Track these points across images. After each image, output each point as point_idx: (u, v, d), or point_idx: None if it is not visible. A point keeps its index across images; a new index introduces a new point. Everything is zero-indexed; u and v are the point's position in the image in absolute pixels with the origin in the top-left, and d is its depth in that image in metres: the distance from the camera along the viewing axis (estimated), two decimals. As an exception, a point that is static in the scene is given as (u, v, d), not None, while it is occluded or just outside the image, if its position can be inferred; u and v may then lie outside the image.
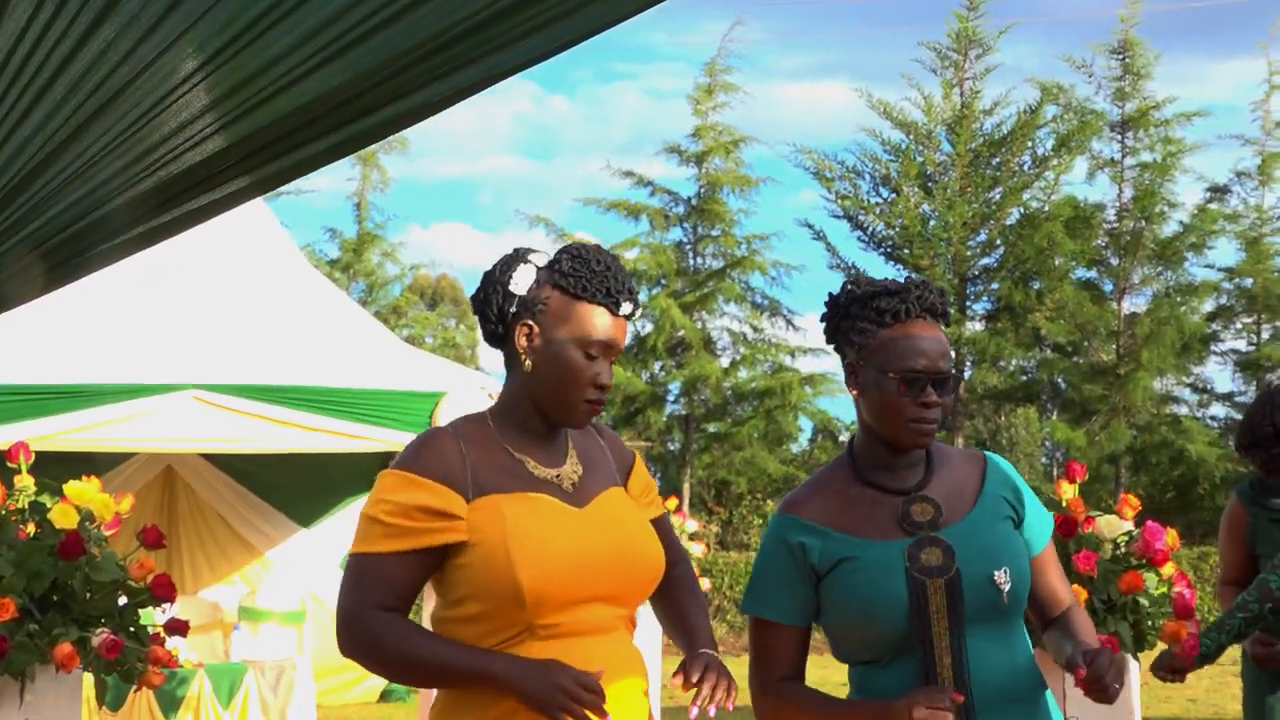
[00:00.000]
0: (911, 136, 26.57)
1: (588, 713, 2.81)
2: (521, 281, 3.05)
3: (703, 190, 27.44)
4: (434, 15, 1.30)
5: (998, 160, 26.40)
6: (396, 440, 10.53)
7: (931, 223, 26.20)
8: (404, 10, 1.30)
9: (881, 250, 26.88)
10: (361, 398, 10.28)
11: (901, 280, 3.26)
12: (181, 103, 1.32)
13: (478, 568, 2.94)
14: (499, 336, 3.11)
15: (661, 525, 3.31)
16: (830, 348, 3.38)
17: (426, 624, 3.15)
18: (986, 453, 3.42)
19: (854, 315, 3.24)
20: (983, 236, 26.60)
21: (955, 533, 3.19)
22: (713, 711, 2.94)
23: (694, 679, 2.98)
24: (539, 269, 3.07)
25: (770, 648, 3.32)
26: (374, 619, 2.93)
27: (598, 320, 3.04)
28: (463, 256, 68.32)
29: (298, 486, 12.95)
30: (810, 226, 27.32)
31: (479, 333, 3.19)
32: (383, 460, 12.45)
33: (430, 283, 44.22)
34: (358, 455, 11.56)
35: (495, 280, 3.08)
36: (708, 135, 27.35)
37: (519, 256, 3.08)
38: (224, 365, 9.66)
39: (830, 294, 3.34)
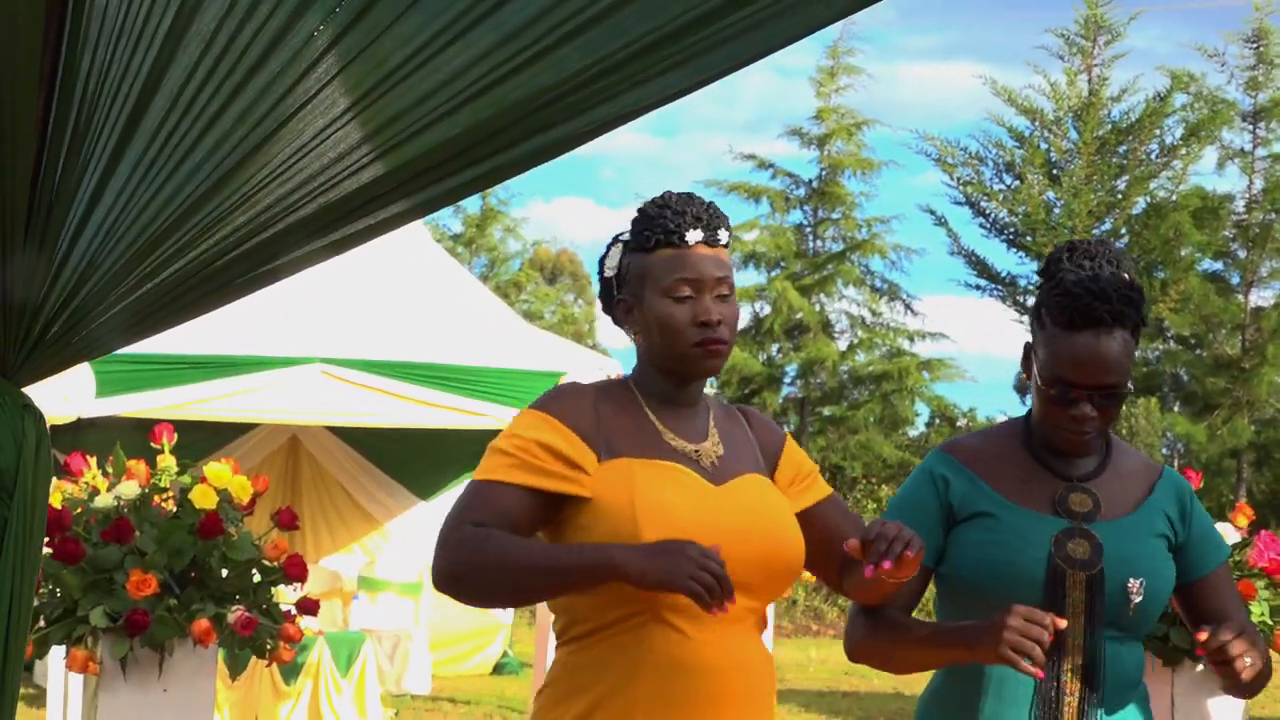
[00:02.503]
0: (1037, 123, 26.31)
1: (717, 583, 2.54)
2: (612, 262, 2.94)
3: (824, 173, 27.40)
4: (575, 55, 1.38)
5: (1124, 148, 26.06)
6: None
7: (1055, 210, 25.93)
8: (546, 50, 1.38)
9: (1004, 237, 26.67)
10: (482, 375, 10.44)
11: (1095, 276, 2.95)
12: (340, 134, 1.41)
13: (600, 532, 2.70)
14: (620, 322, 2.96)
15: (834, 504, 3.04)
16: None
17: (548, 640, 2.96)
18: (1166, 467, 3.25)
19: (1037, 305, 3.05)
20: (1108, 225, 26.26)
21: (1104, 530, 3.01)
22: (887, 565, 2.63)
23: (871, 535, 2.69)
24: (622, 244, 2.94)
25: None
26: (473, 531, 2.70)
27: (671, 262, 2.83)
28: (584, 232, 68.54)
29: (417, 460, 13.16)
30: (932, 212, 27.17)
31: (597, 307, 3.20)
32: (501, 436, 12.63)
33: (550, 257, 44.46)
34: (477, 431, 11.73)
35: (600, 271, 2.99)
36: (829, 117, 27.30)
37: (613, 241, 2.97)
38: (349, 340, 9.86)
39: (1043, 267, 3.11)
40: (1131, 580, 2.98)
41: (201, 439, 11.06)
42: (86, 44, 1.38)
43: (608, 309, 2.98)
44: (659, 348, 2.85)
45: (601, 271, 2.98)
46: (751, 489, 2.88)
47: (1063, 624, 2.78)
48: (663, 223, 2.84)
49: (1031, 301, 2.84)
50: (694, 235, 2.84)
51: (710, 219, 2.88)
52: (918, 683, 3.46)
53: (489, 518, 2.71)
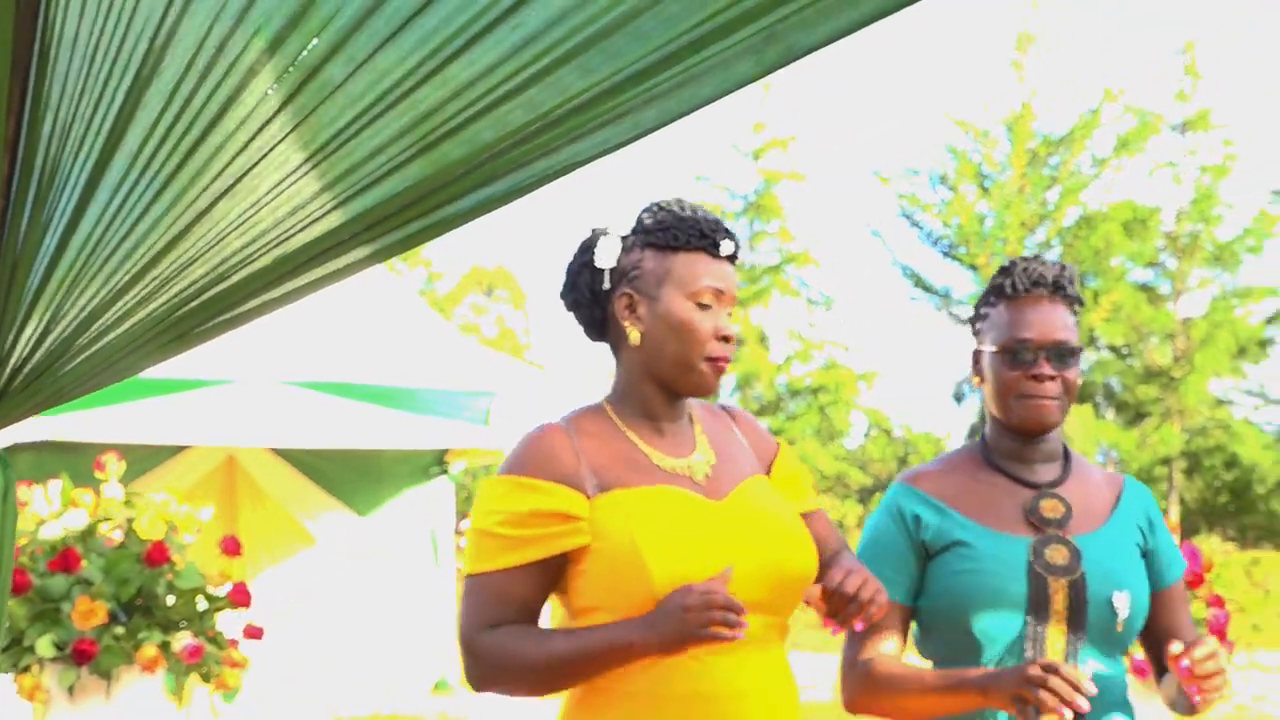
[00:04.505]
0: (970, 135, 26.62)
1: (731, 616, 2.46)
2: (606, 254, 2.74)
3: (760, 186, 27.59)
4: (518, 111, 1.45)
5: (1056, 160, 26.41)
6: (453, 435, 10.75)
7: (988, 222, 26.23)
8: (489, 107, 1.46)
9: (938, 248, 26.95)
10: (420, 394, 10.48)
11: (1034, 258, 3.07)
12: (294, 189, 1.48)
13: (605, 572, 2.58)
14: (599, 322, 2.79)
15: (818, 519, 2.91)
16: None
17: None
18: (1127, 476, 3.21)
19: (980, 304, 3.11)
20: (1040, 236, 26.61)
21: (1083, 543, 2.96)
22: (859, 627, 2.63)
23: (836, 581, 2.64)
24: (622, 237, 2.77)
25: (883, 628, 3.06)
26: (491, 635, 2.60)
27: (700, 266, 2.69)
28: (522, 246, 68.54)
29: (356, 478, 13.17)
30: (868, 225, 27.41)
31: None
32: (438, 455, 12.71)
33: (487, 273, 44.49)
34: (416, 451, 11.81)
35: (579, 265, 2.79)
36: (765, 131, 27.50)
37: (596, 234, 2.79)
38: (287, 359, 9.88)
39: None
40: (1116, 594, 2.92)
41: (136, 460, 11.02)
42: (49, 106, 1.44)
43: (592, 304, 2.79)
44: (667, 352, 2.69)
45: (589, 263, 2.77)
46: (752, 497, 2.74)
47: (1093, 691, 2.65)
48: (697, 227, 2.71)
49: (967, 313, 2.81)
50: (728, 246, 2.73)
51: (735, 236, 2.78)
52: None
53: (503, 615, 2.62)
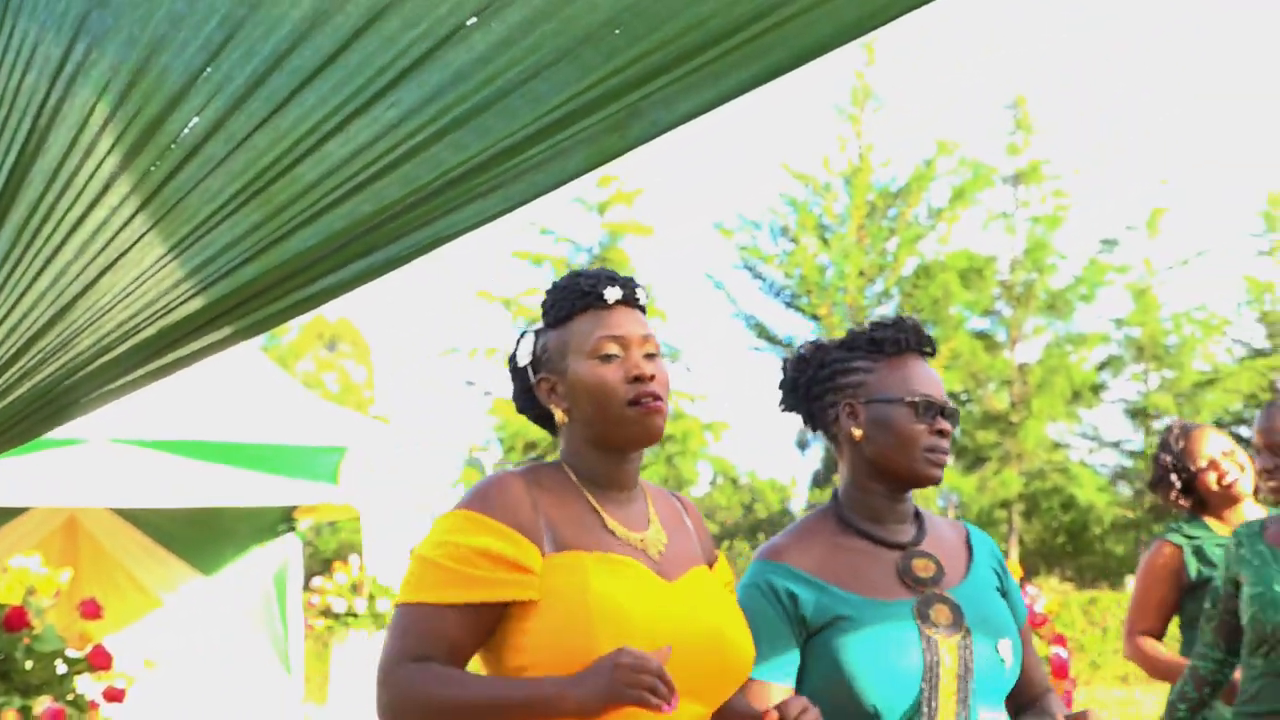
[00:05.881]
0: (809, 188, 27.06)
1: (659, 683, 2.35)
2: (524, 351, 2.73)
3: (605, 239, 27.78)
4: (394, 186, 1.52)
5: (894, 211, 26.93)
6: (300, 493, 10.66)
7: (829, 272, 26.65)
8: (365, 182, 1.52)
9: (780, 299, 27.31)
10: (264, 451, 10.37)
11: (883, 319, 3.05)
12: (180, 261, 1.52)
13: (549, 632, 2.46)
14: (542, 417, 2.77)
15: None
16: (779, 407, 3.14)
17: None
18: (966, 523, 3.20)
19: (839, 360, 3.04)
20: (879, 286, 27.09)
21: (957, 595, 2.92)
22: None
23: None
24: (536, 331, 2.75)
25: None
26: (410, 669, 2.46)
27: (591, 323, 2.64)
28: (362, 299, 68.00)
29: (200, 536, 12.98)
30: (710, 277, 27.74)
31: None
32: (286, 512, 12.59)
33: (329, 326, 44.12)
34: (260, 509, 11.68)
35: (512, 371, 2.78)
36: (609, 185, 27.71)
37: (520, 337, 2.78)
38: (127, 418, 9.73)
39: (791, 356, 3.16)
40: (1000, 643, 2.89)
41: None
42: (-65, 183, 1.47)
43: (525, 405, 2.78)
44: (592, 417, 2.62)
45: (515, 365, 2.77)
46: (700, 586, 2.67)
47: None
48: (577, 287, 2.67)
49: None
50: (613, 293, 2.67)
51: (625, 279, 2.73)
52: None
53: (429, 649, 2.48)
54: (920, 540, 3.00)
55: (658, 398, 2.62)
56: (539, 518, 2.54)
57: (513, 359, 2.78)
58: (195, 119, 1.47)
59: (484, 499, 2.54)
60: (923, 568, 2.94)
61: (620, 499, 2.68)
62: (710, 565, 2.79)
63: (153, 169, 1.49)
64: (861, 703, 2.81)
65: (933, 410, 2.95)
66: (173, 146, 1.48)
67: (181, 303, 1.54)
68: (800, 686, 2.92)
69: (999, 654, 2.88)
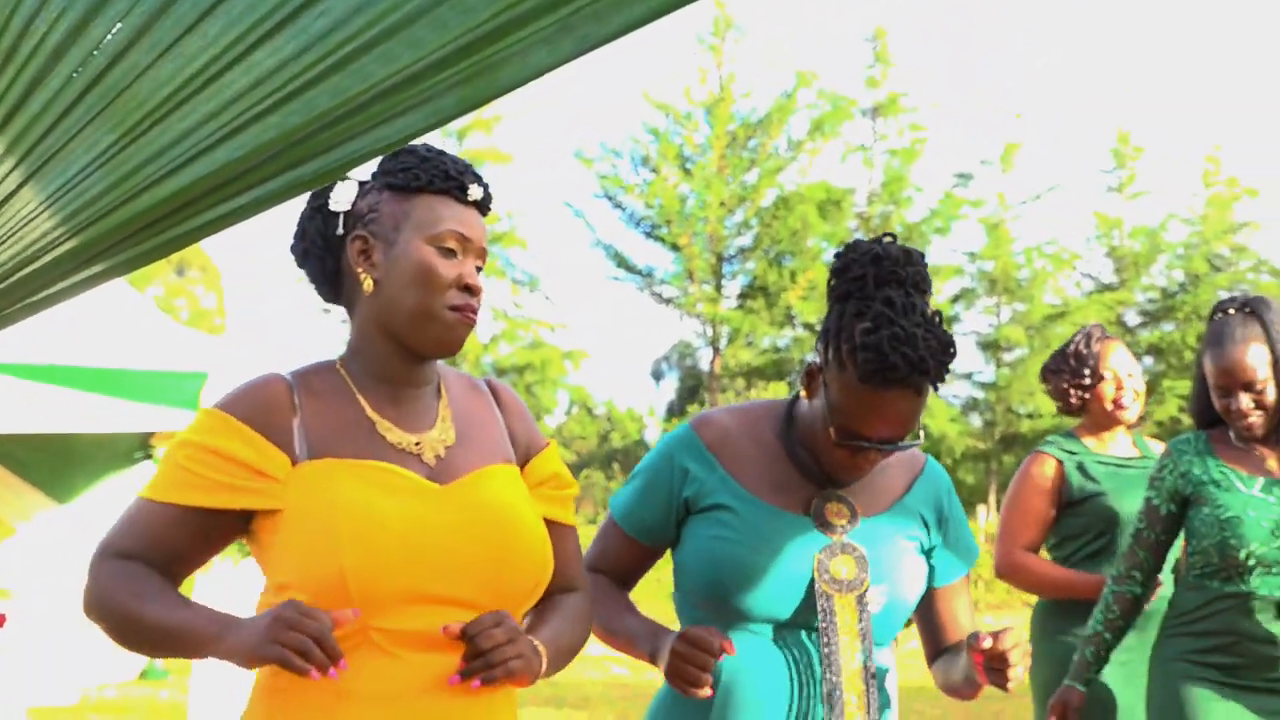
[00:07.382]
0: (670, 117, 27.08)
1: (318, 646, 2.13)
2: (342, 198, 2.47)
3: (464, 166, 27.64)
4: (323, 96, 1.49)
5: (754, 143, 27.07)
6: (158, 419, 10.49)
7: (690, 202, 26.74)
8: (294, 92, 1.49)
9: (640, 229, 27.37)
10: (119, 377, 10.17)
11: (911, 338, 2.60)
12: (103, 171, 1.48)
13: (299, 546, 2.27)
14: (331, 275, 2.52)
15: (567, 537, 2.63)
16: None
17: None
18: (930, 460, 3.00)
19: (847, 342, 2.64)
20: (739, 217, 27.24)
21: (856, 535, 2.77)
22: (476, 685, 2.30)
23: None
24: (360, 181, 2.49)
25: (611, 548, 2.96)
26: (113, 565, 2.34)
27: (443, 209, 2.43)
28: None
29: (52, 463, 12.73)
30: (570, 205, 27.71)
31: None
32: (143, 439, 12.37)
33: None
34: (114, 435, 11.47)
35: (311, 211, 2.52)
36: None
37: (343, 180, 2.51)
38: (-18, 342, 9.51)
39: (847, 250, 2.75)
40: (873, 588, 2.73)
41: None
42: None
43: (324, 251, 2.51)
44: (403, 300, 2.39)
45: (322, 206, 2.50)
46: (485, 486, 2.44)
47: (731, 651, 2.55)
48: (442, 168, 2.45)
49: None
50: (475, 191, 2.47)
51: (486, 184, 2.52)
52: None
53: (141, 547, 2.34)
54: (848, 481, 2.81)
55: (475, 312, 2.46)
56: (296, 422, 2.37)
57: (319, 199, 2.52)
58: (119, 24, 1.44)
59: (238, 399, 2.37)
60: (835, 512, 2.78)
61: (404, 397, 2.47)
62: (525, 461, 2.57)
63: (75, 75, 1.45)
64: (721, 598, 2.74)
65: (857, 448, 2.69)
66: (95, 53, 1.44)
67: (107, 213, 1.51)
68: (678, 563, 2.86)
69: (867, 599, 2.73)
